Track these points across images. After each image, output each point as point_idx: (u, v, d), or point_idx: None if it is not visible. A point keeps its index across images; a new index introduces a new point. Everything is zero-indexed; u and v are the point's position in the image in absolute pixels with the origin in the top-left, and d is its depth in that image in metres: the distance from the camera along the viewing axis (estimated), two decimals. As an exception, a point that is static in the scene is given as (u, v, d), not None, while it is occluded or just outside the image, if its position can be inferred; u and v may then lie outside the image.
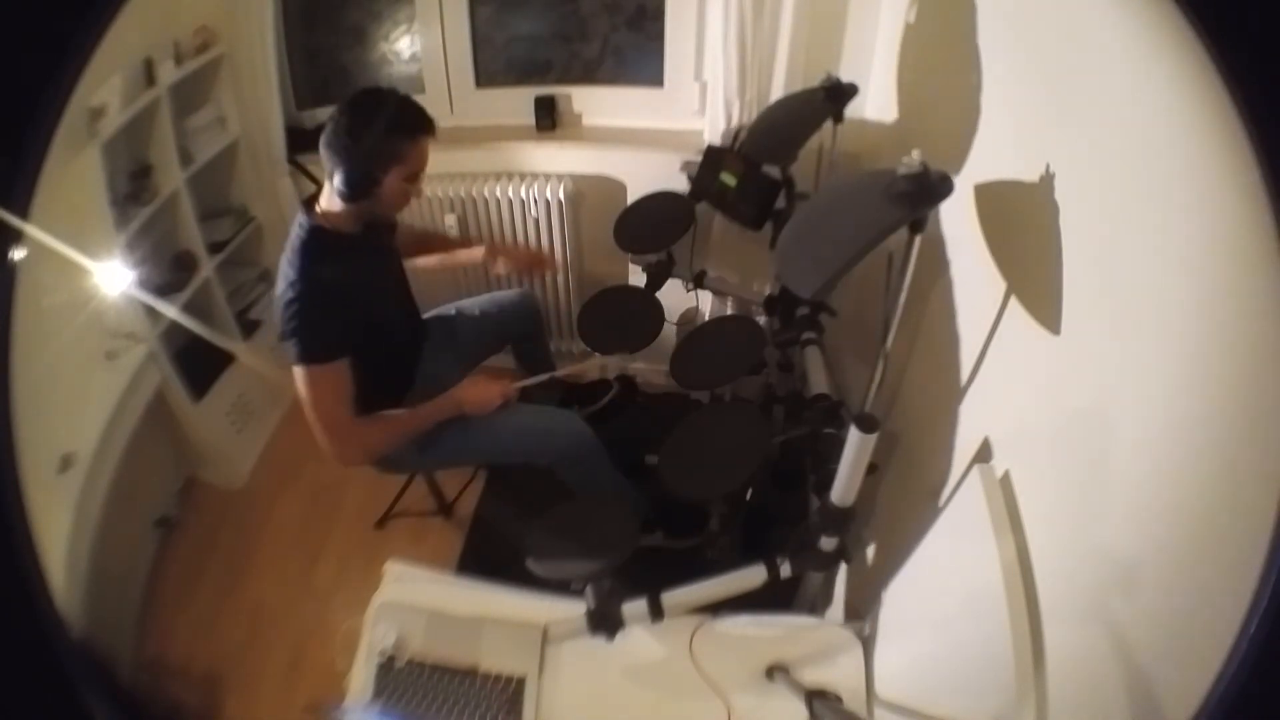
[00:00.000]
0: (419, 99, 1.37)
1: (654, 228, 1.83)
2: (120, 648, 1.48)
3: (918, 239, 0.91)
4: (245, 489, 2.09)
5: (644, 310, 1.84)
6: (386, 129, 1.31)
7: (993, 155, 1.11)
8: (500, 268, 1.79)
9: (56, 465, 1.30)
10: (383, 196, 1.38)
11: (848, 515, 1.15)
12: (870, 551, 1.45)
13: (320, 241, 1.38)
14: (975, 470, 0.98)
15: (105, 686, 0.59)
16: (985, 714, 0.87)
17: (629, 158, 2.05)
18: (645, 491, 1.76)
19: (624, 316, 1.85)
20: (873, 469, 1.10)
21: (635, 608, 1.20)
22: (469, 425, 1.62)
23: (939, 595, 1.07)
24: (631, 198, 2.01)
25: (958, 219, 1.20)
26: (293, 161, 2.06)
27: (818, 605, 1.49)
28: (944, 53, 1.39)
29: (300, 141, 2.06)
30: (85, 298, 1.34)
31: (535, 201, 2.06)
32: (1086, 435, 0.80)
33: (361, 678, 1.21)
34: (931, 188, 0.85)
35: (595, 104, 2.13)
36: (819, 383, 1.54)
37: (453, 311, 1.83)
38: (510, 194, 2.07)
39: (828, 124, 1.56)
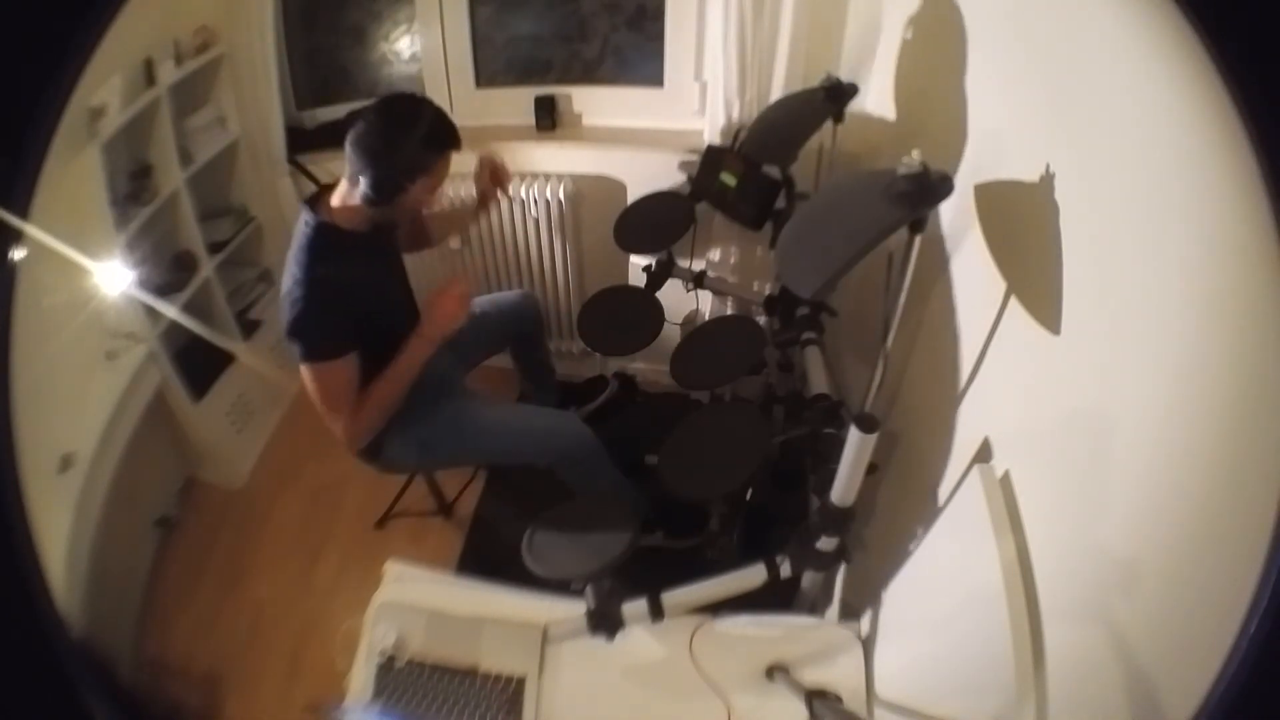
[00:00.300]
0: None
1: (654, 228, 1.83)
2: (120, 648, 1.48)
3: (918, 239, 0.91)
4: (245, 489, 2.09)
5: (644, 310, 1.84)
6: (423, 142, 1.33)
7: (993, 155, 1.11)
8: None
9: (56, 465, 1.30)
10: (403, 203, 1.38)
11: (848, 515, 1.15)
12: (870, 552, 1.45)
13: (327, 239, 1.39)
14: (975, 470, 0.98)
15: (105, 686, 0.59)
16: (985, 714, 0.87)
17: (629, 158, 2.05)
18: (645, 491, 1.76)
19: (624, 316, 1.85)
20: (873, 469, 1.10)
21: (635, 608, 1.20)
22: (470, 425, 1.62)
23: (939, 595, 1.07)
24: (631, 198, 2.01)
25: (958, 219, 1.20)
26: (293, 161, 2.06)
27: (818, 605, 1.49)
28: (944, 52, 1.39)
29: (300, 141, 2.06)
30: (85, 298, 1.34)
31: (535, 201, 2.06)
32: (1086, 435, 0.80)
33: (361, 678, 1.21)
34: (931, 188, 0.85)
35: (595, 104, 2.13)
36: (819, 383, 1.54)
37: None
38: (510, 194, 2.06)
39: (828, 124, 1.56)
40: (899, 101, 1.63)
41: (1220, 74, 0.50)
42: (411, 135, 1.32)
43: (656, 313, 1.83)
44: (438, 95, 2.14)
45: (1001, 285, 1.01)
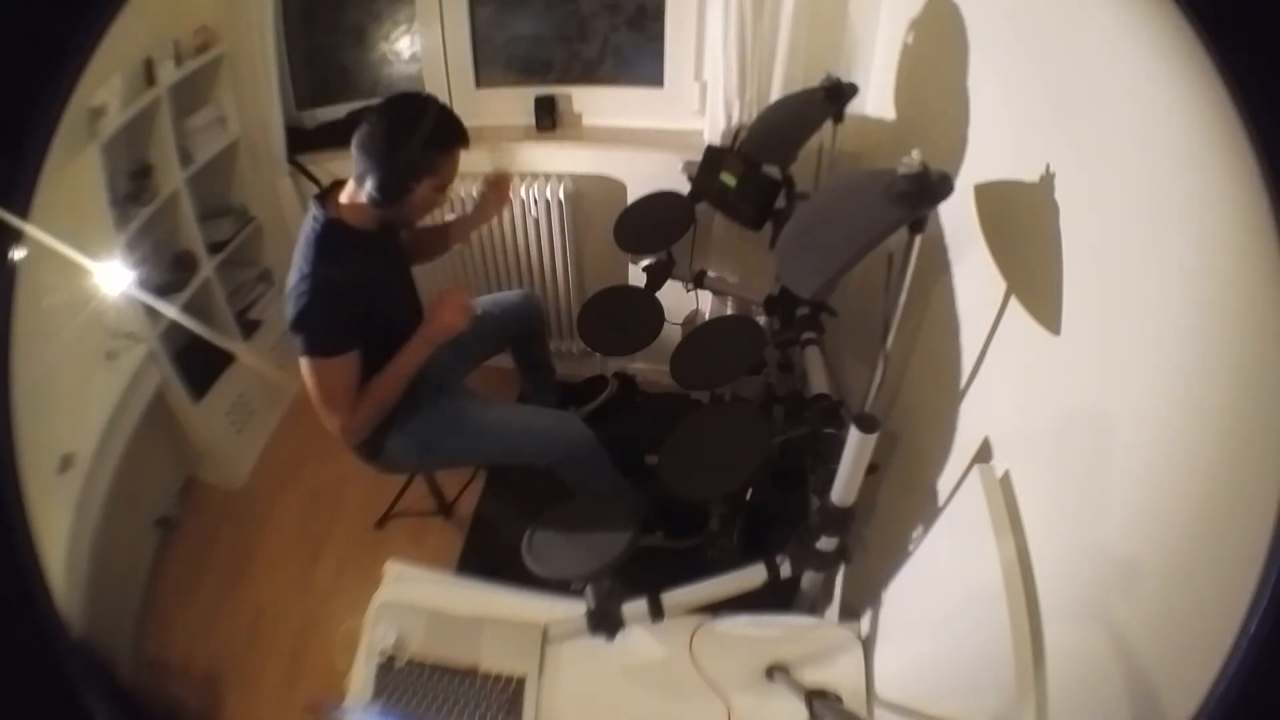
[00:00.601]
0: None
1: (654, 228, 1.83)
2: (120, 648, 1.48)
3: (918, 239, 0.91)
4: (245, 489, 2.08)
5: (644, 310, 1.84)
6: (426, 142, 1.32)
7: (993, 155, 1.11)
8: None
9: (56, 465, 1.30)
10: (411, 203, 1.38)
11: (848, 515, 1.16)
12: (870, 552, 1.44)
13: (335, 236, 1.38)
14: (975, 470, 0.99)
15: (105, 686, 0.59)
16: (985, 714, 0.87)
17: (629, 158, 2.05)
18: (645, 491, 1.76)
19: (624, 316, 1.85)
20: (873, 469, 1.10)
21: (635, 608, 1.21)
22: (470, 425, 1.62)
23: (939, 595, 1.07)
24: (631, 198, 2.01)
25: (958, 219, 1.20)
26: (293, 161, 2.06)
27: (818, 605, 1.49)
28: (944, 52, 1.39)
29: (300, 141, 2.06)
30: (85, 298, 1.34)
31: (535, 201, 2.06)
32: (1086, 435, 0.80)
33: (361, 678, 1.21)
34: (931, 188, 0.85)
35: (595, 104, 2.13)
36: (819, 383, 1.54)
37: None
38: (510, 194, 2.06)
39: (828, 124, 1.56)
40: (899, 101, 1.63)
41: (1220, 74, 0.50)
42: (415, 136, 1.31)
43: (656, 313, 1.83)
44: (438, 95, 2.13)
45: (1001, 285, 1.01)
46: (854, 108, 1.57)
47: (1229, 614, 0.49)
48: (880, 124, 1.73)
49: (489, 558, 1.82)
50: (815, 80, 1.58)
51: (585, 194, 2.11)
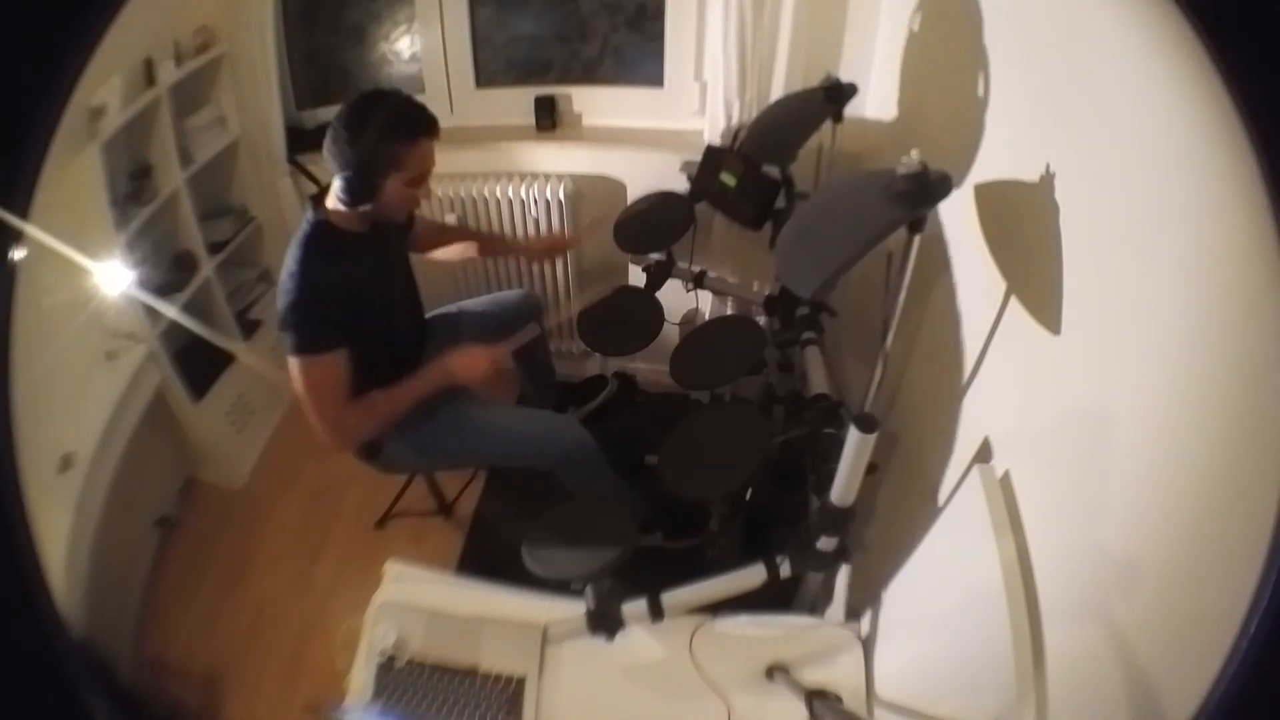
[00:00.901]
0: (419, 99, 1.35)
1: (654, 228, 1.83)
2: (120, 648, 1.48)
3: (917, 239, 0.91)
4: (245, 489, 2.08)
5: (644, 310, 1.83)
6: (381, 134, 1.29)
7: (993, 155, 1.11)
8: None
9: (56, 465, 1.30)
10: (384, 201, 1.36)
11: (848, 515, 1.15)
12: (870, 551, 1.45)
13: (323, 237, 1.38)
14: (975, 470, 0.99)
15: (105, 686, 0.59)
16: (985, 714, 0.87)
17: (629, 158, 2.05)
18: (644, 494, 1.75)
19: (624, 317, 1.85)
20: (873, 469, 1.10)
21: (635, 608, 1.20)
22: (469, 428, 1.62)
23: (939, 595, 1.07)
24: (631, 198, 2.01)
25: (958, 219, 1.20)
26: (293, 161, 2.06)
27: (818, 605, 1.49)
28: (944, 52, 1.39)
29: (300, 141, 2.06)
30: (85, 298, 1.34)
31: (535, 201, 2.06)
32: (1086, 435, 0.80)
33: (361, 678, 1.21)
34: (930, 187, 0.85)
35: (595, 104, 2.13)
36: (819, 383, 1.54)
37: (456, 310, 1.83)
38: (510, 194, 2.07)
39: (828, 124, 1.56)
40: (899, 101, 1.63)
41: (1220, 74, 0.50)
42: (367, 129, 1.28)
43: (656, 313, 1.83)
44: (438, 95, 2.14)
45: (1001, 285, 1.01)
46: (854, 108, 1.57)
47: (1229, 614, 0.49)
48: (880, 124, 1.73)
49: (489, 558, 1.82)
50: (815, 80, 1.58)
51: (585, 194, 2.11)
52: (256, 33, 1.91)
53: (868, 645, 1.22)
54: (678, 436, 1.40)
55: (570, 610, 1.22)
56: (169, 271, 1.93)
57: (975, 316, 1.15)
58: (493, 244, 1.91)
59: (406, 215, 1.47)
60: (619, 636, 1.20)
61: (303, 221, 1.40)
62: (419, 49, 2.13)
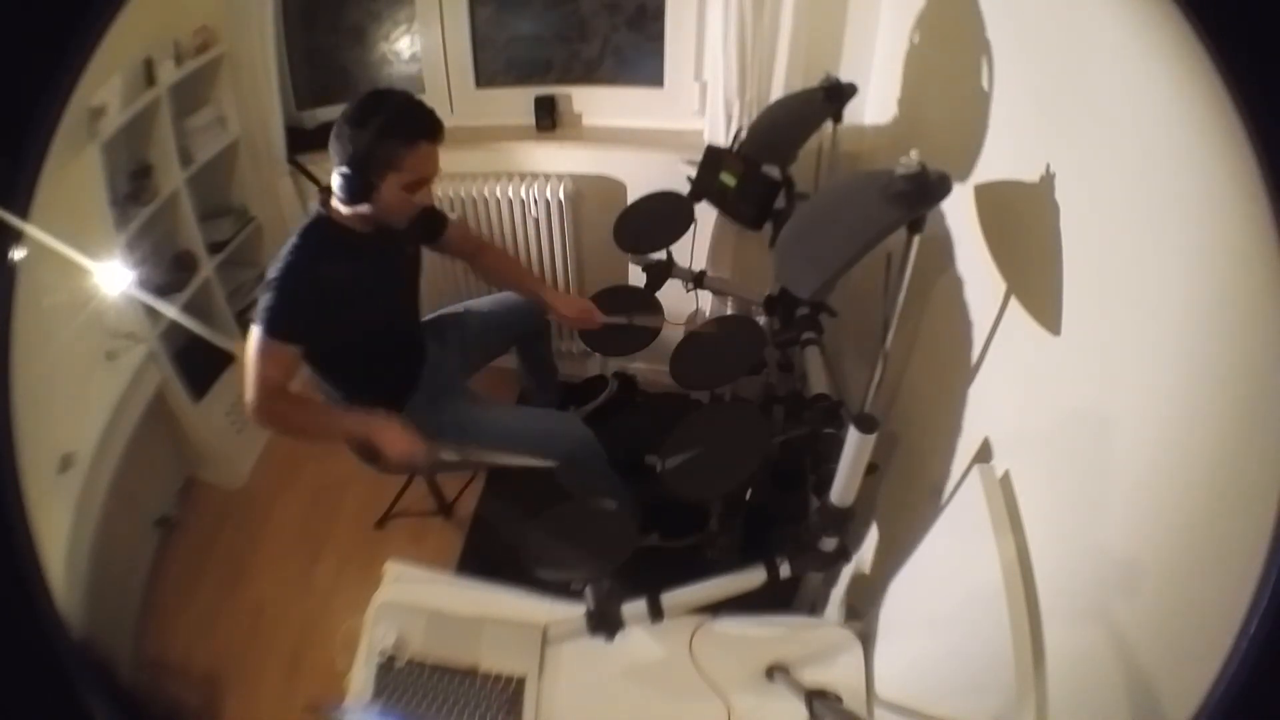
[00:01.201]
0: (425, 102, 1.34)
1: (654, 228, 1.83)
2: (120, 648, 1.47)
3: (916, 239, 0.91)
4: (245, 489, 2.09)
5: (644, 310, 1.83)
6: (378, 134, 1.27)
7: (992, 155, 1.11)
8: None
9: (56, 465, 1.30)
10: (381, 203, 1.34)
11: (848, 515, 1.16)
12: (870, 551, 1.44)
13: (321, 231, 1.38)
14: (975, 470, 0.98)
15: (105, 686, 0.59)
16: (985, 714, 0.87)
17: (629, 158, 2.05)
18: (642, 497, 1.75)
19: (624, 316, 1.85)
20: (873, 469, 1.10)
21: (635, 608, 1.20)
22: (470, 428, 1.62)
23: (939, 595, 1.07)
24: (631, 198, 2.01)
25: (957, 219, 1.20)
26: (293, 161, 2.06)
27: (818, 605, 1.49)
28: (944, 53, 1.39)
29: (300, 141, 2.06)
30: (85, 298, 1.34)
31: (535, 201, 2.06)
32: (1086, 435, 0.80)
33: (361, 678, 1.21)
34: (930, 188, 0.85)
35: (595, 104, 2.13)
36: (819, 383, 1.54)
37: (461, 310, 1.82)
38: (510, 194, 2.07)
39: (828, 124, 1.56)
40: (899, 101, 1.63)
41: (1220, 74, 0.50)
42: (366, 129, 1.27)
43: (656, 313, 1.83)
44: (438, 95, 2.14)
45: (1001, 285, 1.01)
46: (853, 108, 1.57)
47: (1229, 614, 0.49)
48: (880, 124, 1.73)
49: (489, 558, 1.82)
50: (815, 80, 1.58)
51: (585, 194, 2.11)
52: (256, 33, 1.91)
53: (868, 645, 1.22)
54: (678, 436, 1.39)
55: (570, 611, 1.22)
56: (169, 271, 1.93)
57: (975, 316, 1.14)
58: (524, 282, 1.80)
59: (405, 221, 1.43)
60: (619, 637, 1.20)
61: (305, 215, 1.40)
62: (419, 49, 2.13)
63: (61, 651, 0.55)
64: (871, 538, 1.45)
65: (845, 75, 1.57)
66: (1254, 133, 0.49)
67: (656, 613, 1.21)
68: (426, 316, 1.77)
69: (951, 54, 1.27)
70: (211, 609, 1.82)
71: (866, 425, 1.02)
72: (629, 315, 1.75)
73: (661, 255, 1.86)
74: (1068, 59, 0.90)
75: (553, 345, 2.10)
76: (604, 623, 1.19)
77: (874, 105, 1.75)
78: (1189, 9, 0.52)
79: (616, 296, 1.90)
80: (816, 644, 1.23)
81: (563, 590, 1.26)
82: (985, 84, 1.16)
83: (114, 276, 1.53)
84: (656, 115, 2.07)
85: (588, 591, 1.20)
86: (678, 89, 2.02)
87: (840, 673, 1.18)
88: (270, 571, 1.91)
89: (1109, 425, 0.76)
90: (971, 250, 1.13)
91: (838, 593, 1.46)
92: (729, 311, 2.05)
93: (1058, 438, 0.87)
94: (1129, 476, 0.71)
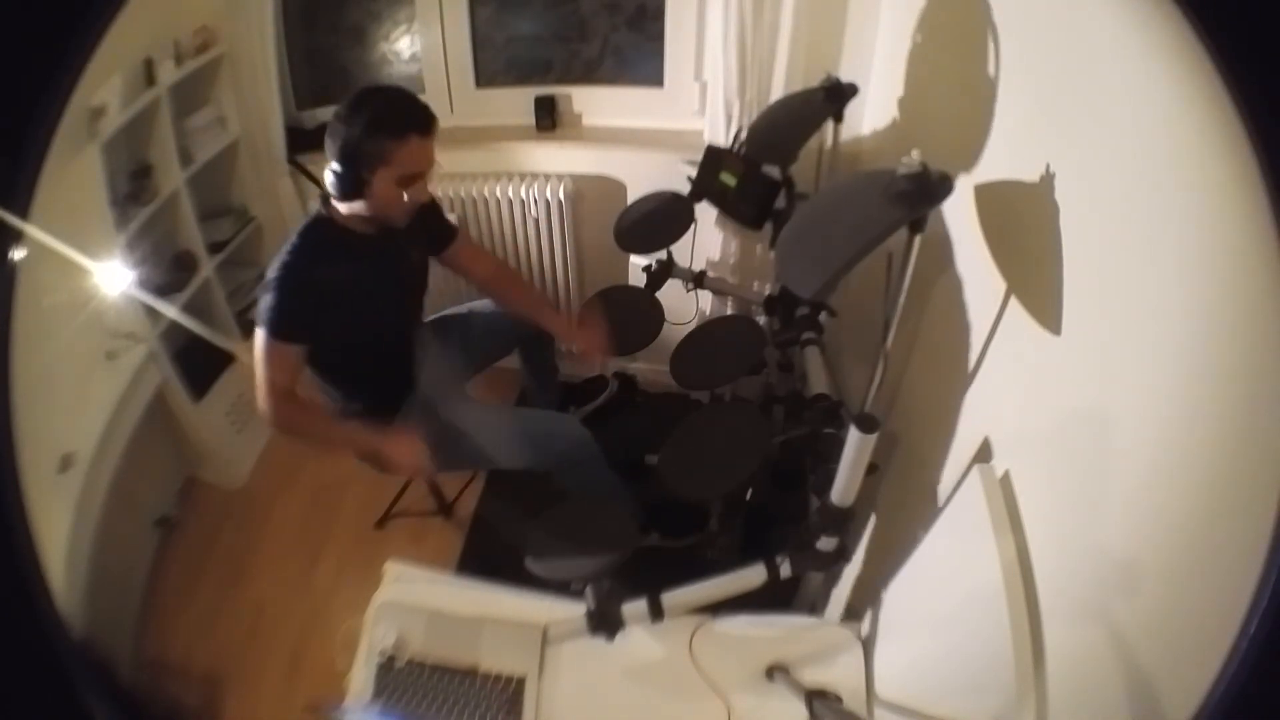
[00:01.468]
0: (420, 98, 1.34)
1: (654, 228, 1.83)
2: (120, 648, 1.47)
3: (917, 239, 0.91)
4: (245, 489, 2.09)
5: (644, 310, 1.83)
6: (367, 129, 1.26)
7: (993, 155, 1.11)
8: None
9: (56, 465, 1.30)
10: (374, 199, 1.33)
11: (848, 515, 1.15)
12: (870, 552, 1.44)
13: (319, 232, 1.38)
14: (975, 470, 0.98)
15: (105, 686, 0.59)
16: (985, 714, 0.87)
17: (629, 158, 2.05)
18: (642, 497, 1.75)
19: (624, 316, 1.85)
20: (873, 469, 1.10)
21: (635, 608, 1.20)
22: (470, 429, 1.62)
23: (939, 595, 1.07)
24: (631, 198, 2.01)
25: (958, 219, 1.20)
26: (293, 161, 2.06)
27: (818, 605, 1.49)
28: (944, 53, 1.39)
29: (300, 141, 2.06)
30: (85, 298, 1.34)
31: (535, 201, 2.06)
32: (1086, 435, 0.80)
33: (361, 678, 1.21)
34: (931, 188, 0.85)
35: (595, 104, 2.13)
36: (819, 383, 1.54)
37: (466, 311, 1.82)
38: (510, 194, 2.07)
39: (828, 124, 1.56)
40: (899, 101, 1.63)
41: (1220, 74, 0.50)
42: (355, 124, 1.26)
43: (656, 313, 1.83)
44: (438, 95, 2.14)
45: (1001, 285, 1.01)
46: (854, 108, 1.57)
47: (1229, 614, 0.49)
48: (880, 124, 1.73)
49: (489, 558, 1.81)
50: (815, 80, 1.58)
51: (585, 194, 2.11)
52: (256, 33, 1.91)
53: (868, 645, 1.22)
54: (678, 436, 1.39)
55: (570, 610, 1.22)
56: (169, 271, 1.93)
57: (975, 316, 1.14)
58: (539, 316, 1.72)
59: (404, 218, 1.41)
60: (619, 637, 1.20)
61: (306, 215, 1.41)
62: (419, 49, 2.13)
63: (61, 651, 0.55)
64: (872, 538, 1.45)
65: (845, 75, 1.57)
66: (1254, 133, 0.49)
67: (657, 613, 1.21)
68: (430, 317, 1.77)
69: (952, 54, 1.27)
70: (211, 609, 1.82)
71: (867, 425, 1.02)
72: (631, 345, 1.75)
73: (661, 255, 1.86)
74: (1068, 59, 0.90)
75: (555, 348, 2.10)
76: (604, 623, 1.19)
77: (874, 105, 1.75)
78: (1189, 9, 0.52)
79: (616, 296, 1.90)
80: (816, 644, 1.23)
81: (563, 590, 1.26)
82: (986, 84, 1.16)
83: (114, 276, 1.53)
84: (656, 115, 2.07)
85: (588, 591, 1.20)
86: (678, 89, 2.02)
87: (840, 673, 1.18)
88: (270, 571, 1.91)
89: (1109, 425, 0.76)
90: (971, 250, 1.13)
91: (838, 593, 1.46)
92: (729, 311, 2.06)
93: (1058, 438, 0.87)
94: (1129, 476, 0.71)
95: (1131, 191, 0.74)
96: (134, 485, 1.65)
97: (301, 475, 2.09)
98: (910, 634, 1.14)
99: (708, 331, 1.74)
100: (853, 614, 1.30)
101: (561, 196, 2.05)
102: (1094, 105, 0.82)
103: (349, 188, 1.31)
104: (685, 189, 1.84)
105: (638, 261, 1.97)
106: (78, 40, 0.57)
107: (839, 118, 1.55)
